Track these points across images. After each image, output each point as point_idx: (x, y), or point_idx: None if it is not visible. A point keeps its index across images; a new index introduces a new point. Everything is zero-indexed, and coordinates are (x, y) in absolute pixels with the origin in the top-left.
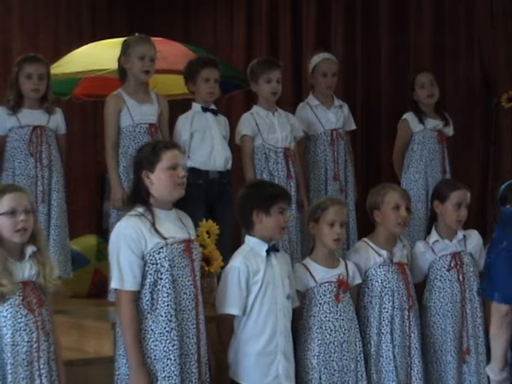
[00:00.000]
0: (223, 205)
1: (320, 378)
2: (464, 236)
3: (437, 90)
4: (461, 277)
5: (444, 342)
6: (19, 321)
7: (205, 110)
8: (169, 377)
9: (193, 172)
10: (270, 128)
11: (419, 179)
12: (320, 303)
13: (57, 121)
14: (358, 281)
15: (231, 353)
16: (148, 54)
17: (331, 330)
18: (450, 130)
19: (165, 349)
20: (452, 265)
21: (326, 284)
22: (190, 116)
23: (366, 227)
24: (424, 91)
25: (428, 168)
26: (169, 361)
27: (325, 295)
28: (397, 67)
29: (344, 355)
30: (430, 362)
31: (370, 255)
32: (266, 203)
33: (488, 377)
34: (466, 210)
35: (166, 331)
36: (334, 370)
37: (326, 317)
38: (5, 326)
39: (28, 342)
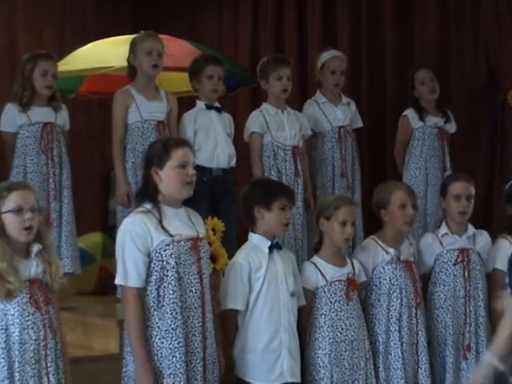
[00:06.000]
0: (227, 202)
1: (332, 377)
2: (474, 234)
3: (437, 86)
4: (466, 273)
5: (444, 335)
6: (27, 319)
7: (208, 107)
8: (174, 374)
9: (197, 169)
10: (279, 126)
11: (419, 175)
12: (331, 302)
13: (64, 117)
14: (363, 279)
15: (236, 350)
16: (155, 49)
17: (342, 329)
18: (451, 127)
19: (170, 346)
20: (459, 260)
21: (337, 282)
22: (193, 113)
23: (371, 224)
24: (425, 87)
25: (428, 164)
26: (174, 358)
27: (335, 294)
28: (402, 65)
29: (354, 353)
30: (433, 355)
31: (379, 252)
32: (267, 198)
33: None
34: (468, 202)
35: (172, 328)
36: (345, 369)
37: (336, 315)
38: (12, 325)
39: (35, 340)
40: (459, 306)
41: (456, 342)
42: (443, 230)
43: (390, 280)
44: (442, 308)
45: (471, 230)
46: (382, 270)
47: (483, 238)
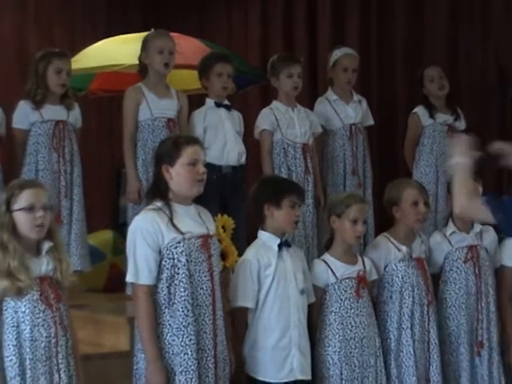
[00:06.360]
0: (237, 200)
1: (341, 374)
2: (481, 230)
3: (446, 83)
4: (477, 270)
5: (458, 333)
6: (37, 316)
7: (218, 105)
8: (186, 371)
9: (206, 167)
10: (289, 123)
11: (430, 173)
12: (341, 299)
13: (76, 115)
14: (375, 276)
15: (246, 348)
16: (166, 47)
17: (352, 326)
18: (461, 125)
19: (182, 343)
20: (468, 257)
21: (347, 280)
22: (203, 111)
23: (382, 221)
24: (434, 85)
25: (438, 161)
26: (186, 355)
27: (345, 291)
28: (412, 61)
29: (364, 351)
30: (446, 354)
31: (391, 250)
32: (276, 196)
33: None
34: None
35: (183, 326)
36: (355, 366)
37: (347, 313)
38: (23, 322)
39: (46, 337)
40: (471, 303)
41: (470, 340)
42: (450, 228)
43: (402, 278)
44: (455, 306)
45: (478, 226)
46: (394, 267)
47: (490, 234)
